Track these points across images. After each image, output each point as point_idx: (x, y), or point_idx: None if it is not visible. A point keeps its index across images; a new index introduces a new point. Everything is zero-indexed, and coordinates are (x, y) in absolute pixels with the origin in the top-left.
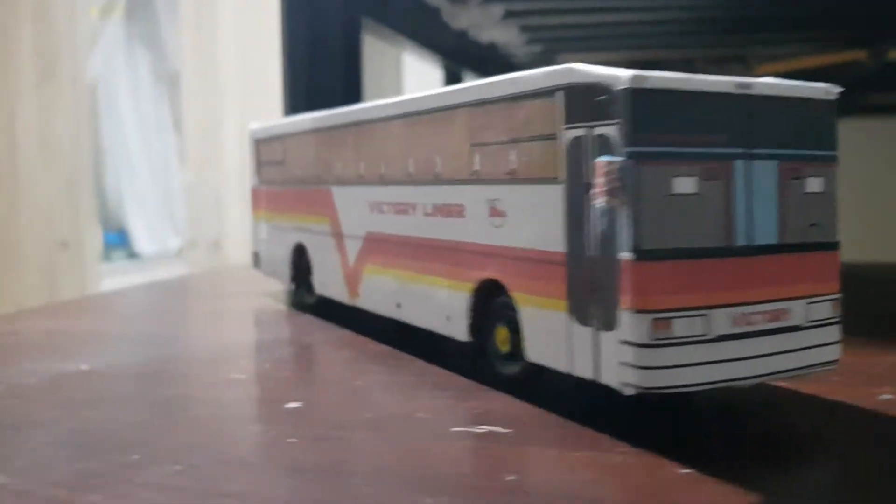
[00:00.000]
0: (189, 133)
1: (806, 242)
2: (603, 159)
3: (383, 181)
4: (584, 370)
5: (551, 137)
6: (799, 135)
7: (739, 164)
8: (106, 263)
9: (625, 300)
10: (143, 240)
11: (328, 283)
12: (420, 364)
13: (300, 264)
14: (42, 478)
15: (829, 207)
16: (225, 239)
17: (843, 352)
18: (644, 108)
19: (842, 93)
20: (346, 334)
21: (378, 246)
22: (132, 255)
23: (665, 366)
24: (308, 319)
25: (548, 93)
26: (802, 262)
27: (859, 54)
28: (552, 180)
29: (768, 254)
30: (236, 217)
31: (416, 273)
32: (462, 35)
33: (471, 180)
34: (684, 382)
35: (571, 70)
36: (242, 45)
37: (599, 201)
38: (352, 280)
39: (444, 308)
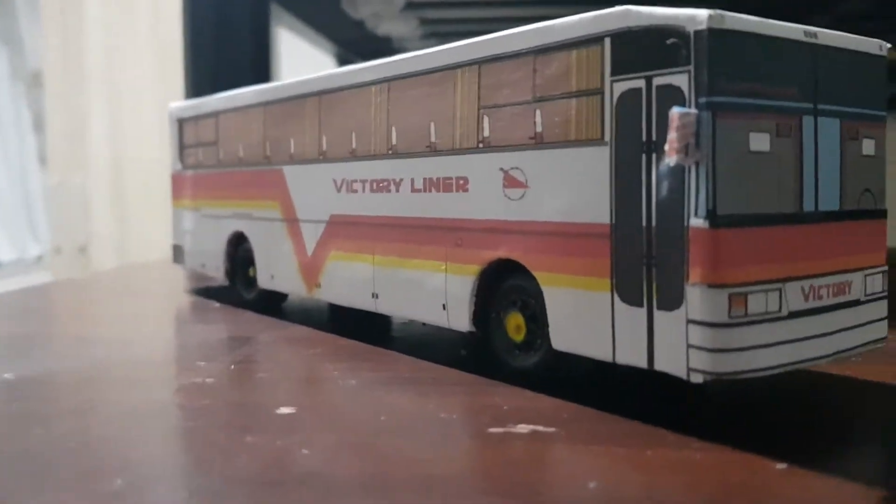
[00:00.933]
0: (53, 134)
1: (861, 210)
2: (677, 110)
3: (354, 156)
4: (631, 357)
5: (594, 93)
6: (855, 91)
7: (808, 121)
8: None
9: (695, 274)
10: None
11: (277, 275)
12: (407, 359)
13: (237, 256)
14: None
15: (879, 172)
16: (93, 244)
17: None
18: (722, 52)
19: None
20: (306, 330)
21: (346, 230)
22: None
23: (740, 347)
24: (252, 316)
25: (590, 41)
26: (858, 231)
27: None
28: (595, 142)
29: (831, 221)
30: (106, 221)
31: (399, 258)
32: (359, 25)
33: (478, 149)
34: (757, 366)
35: (627, 12)
36: (110, 43)
37: (670, 159)
38: (310, 270)
39: (437, 295)
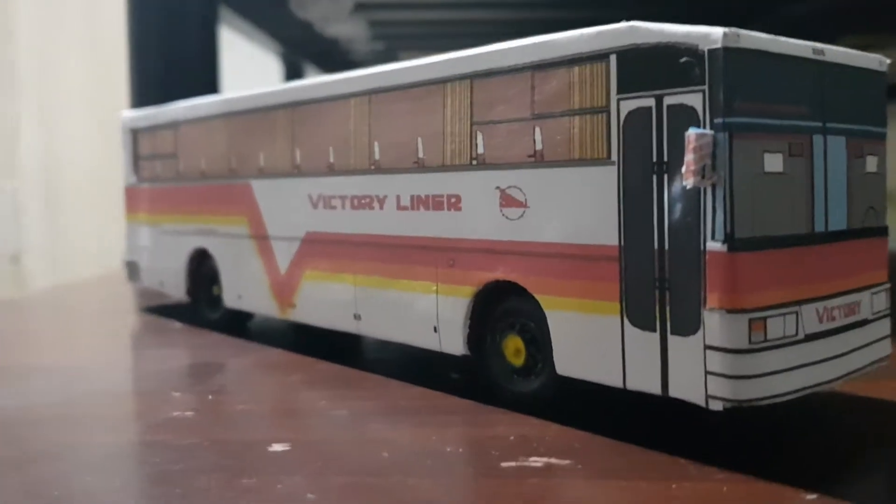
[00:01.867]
0: None
1: (866, 228)
2: (694, 131)
3: (332, 171)
4: (643, 383)
5: (599, 111)
6: (860, 108)
7: (818, 140)
8: None
9: (713, 299)
10: None
11: (246, 294)
12: (396, 384)
13: (200, 274)
14: None
15: (881, 189)
16: (26, 255)
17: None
18: (736, 71)
19: None
20: (278, 353)
21: (324, 249)
22: None
23: (760, 373)
24: (217, 338)
25: (593, 58)
26: (864, 250)
27: None
28: (601, 161)
29: (840, 240)
30: (39, 230)
31: (384, 278)
32: (307, 27)
33: (471, 166)
34: (776, 392)
35: (634, 29)
36: (41, 46)
37: (687, 181)
38: (283, 290)
39: (428, 317)
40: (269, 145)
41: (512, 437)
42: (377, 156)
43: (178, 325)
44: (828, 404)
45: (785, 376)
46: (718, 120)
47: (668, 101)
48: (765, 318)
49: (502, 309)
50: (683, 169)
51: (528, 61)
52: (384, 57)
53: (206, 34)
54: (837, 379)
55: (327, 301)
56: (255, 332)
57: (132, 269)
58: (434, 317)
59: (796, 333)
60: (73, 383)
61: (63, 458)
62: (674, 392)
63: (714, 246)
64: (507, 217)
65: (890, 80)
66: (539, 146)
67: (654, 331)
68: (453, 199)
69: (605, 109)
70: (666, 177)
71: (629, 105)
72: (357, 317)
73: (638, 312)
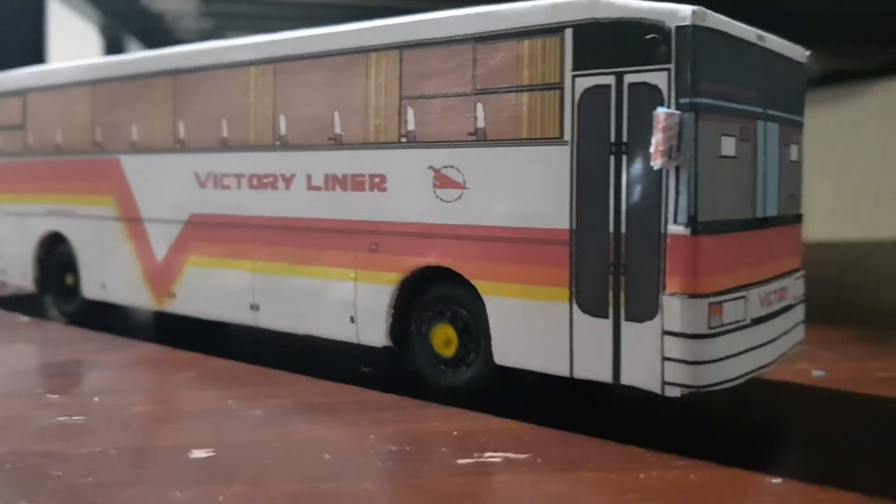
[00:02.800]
0: None
1: (790, 215)
2: (662, 111)
3: (225, 147)
4: (592, 371)
5: (551, 88)
6: (788, 97)
7: (761, 126)
8: None
9: (673, 283)
10: None
11: (112, 283)
12: (305, 380)
13: (51, 260)
14: None
15: (800, 177)
16: None
17: None
18: (703, 51)
19: None
20: (158, 349)
21: (214, 232)
22: None
23: (716, 359)
24: (78, 333)
25: (546, 31)
26: (788, 236)
27: None
28: (552, 141)
29: (773, 226)
30: None
31: (290, 264)
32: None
33: (400, 143)
34: (728, 376)
35: (594, 2)
36: None
37: (655, 162)
38: (160, 278)
39: (344, 307)
40: (144, 117)
41: (455, 433)
42: (283, 131)
43: (24, 318)
44: (754, 388)
45: (734, 361)
46: (685, 100)
47: (629, 79)
48: (721, 303)
49: (431, 296)
50: (651, 149)
51: (470, 32)
52: (211, 36)
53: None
54: (773, 362)
55: (217, 290)
56: (118, 325)
57: None
58: (351, 306)
59: (744, 318)
60: None
61: None
62: (626, 379)
63: (676, 229)
64: (441, 199)
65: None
66: (481, 124)
67: (607, 317)
68: (377, 179)
69: (559, 86)
70: (625, 158)
71: (585, 82)
72: (255, 307)
73: (589, 298)
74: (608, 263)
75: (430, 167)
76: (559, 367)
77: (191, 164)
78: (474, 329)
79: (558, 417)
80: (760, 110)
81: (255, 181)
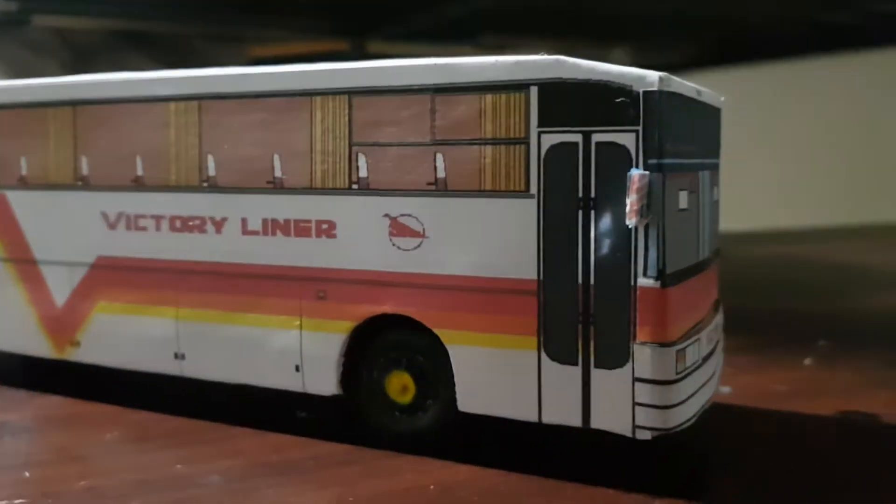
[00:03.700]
0: None
1: (714, 252)
2: (636, 172)
3: (140, 186)
4: (561, 416)
5: (516, 142)
6: (713, 142)
7: (702, 175)
8: None
9: (644, 333)
10: None
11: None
12: (246, 433)
13: None
14: None
15: (718, 214)
16: None
17: None
18: (667, 114)
19: None
20: (68, 403)
21: (127, 276)
22: None
23: (681, 401)
24: None
25: (510, 87)
26: (714, 271)
27: (341, 44)
28: (518, 193)
29: (707, 266)
30: None
31: (223, 312)
32: None
33: (351, 190)
34: (688, 416)
35: (560, 62)
36: None
37: (631, 221)
38: (61, 325)
39: (288, 356)
40: (37, 150)
41: (432, 486)
42: (211, 171)
43: None
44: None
45: (692, 401)
46: (653, 161)
47: (597, 137)
48: (685, 349)
49: (384, 344)
50: (627, 209)
51: (428, 83)
52: (14, 19)
53: None
54: (713, 395)
55: (134, 338)
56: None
57: None
58: (297, 355)
59: (698, 359)
60: None
61: None
62: (596, 424)
63: (646, 282)
64: (398, 247)
65: None
66: (441, 174)
67: (576, 364)
68: (325, 226)
69: (525, 141)
70: (593, 213)
71: (552, 139)
72: (180, 356)
73: (558, 346)
74: (577, 313)
75: (386, 215)
76: (527, 414)
77: (97, 203)
78: (432, 376)
79: (523, 463)
80: (700, 161)
81: (178, 223)
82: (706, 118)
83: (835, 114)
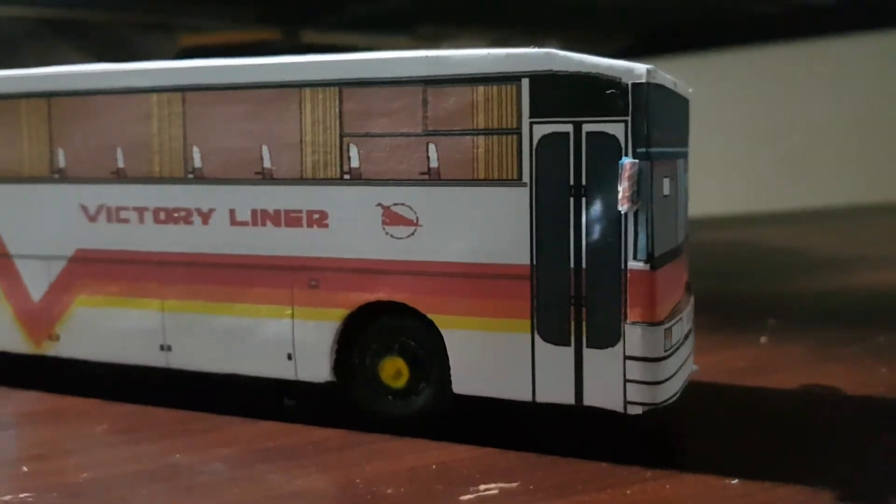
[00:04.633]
0: None
1: (685, 238)
2: (627, 161)
3: (121, 178)
4: (554, 395)
5: (508, 132)
6: (684, 131)
7: (679, 163)
8: None
9: (635, 313)
10: None
11: None
12: (236, 421)
13: None
14: None
15: (687, 201)
16: None
17: None
18: (654, 105)
19: None
20: (48, 398)
21: (108, 269)
22: None
23: (667, 378)
24: None
25: (501, 79)
26: (685, 258)
27: (274, 34)
28: (511, 182)
29: (682, 252)
30: None
31: (209, 303)
32: None
33: (342, 180)
34: (673, 392)
35: (552, 55)
36: None
37: (623, 207)
38: (38, 320)
39: (280, 344)
40: (8, 143)
41: (434, 466)
42: (197, 163)
43: None
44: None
45: (675, 378)
46: (642, 150)
47: (587, 128)
48: (671, 328)
49: (377, 331)
50: (619, 196)
51: (419, 75)
52: None
53: None
54: (691, 374)
55: (116, 331)
56: None
57: None
58: (288, 343)
59: (680, 338)
60: None
61: None
62: (589, 401)
63: (637, 265)
64: (392, 235)
65: None
66: (434, 164)
67: (569, 345)
68: (316, 216)
69: (516, 131)
70: (584, 199)
71: (543, 129)
72: (165, 347)
73: (550, 328)
74: (569, 296)
75: (379, 204)
76: (521, 393)
77: (75, 196)
78: (425, 360)
79: (521, 441)
80: (677, 149)
81: (163, 215)
82: (680, 108)
83: (767, 102)
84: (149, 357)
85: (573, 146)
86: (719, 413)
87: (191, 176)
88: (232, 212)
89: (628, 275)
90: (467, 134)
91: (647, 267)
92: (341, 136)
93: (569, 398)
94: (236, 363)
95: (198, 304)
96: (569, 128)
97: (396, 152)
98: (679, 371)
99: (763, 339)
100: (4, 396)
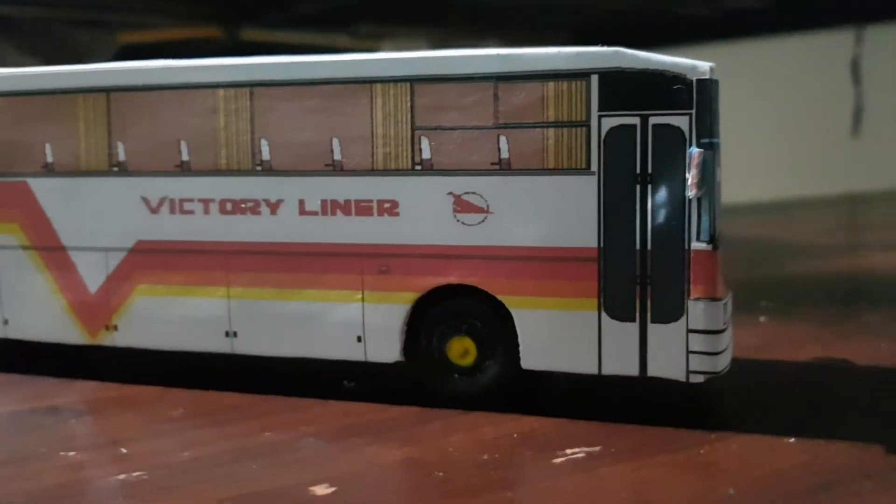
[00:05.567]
0: None
1: None
2: (696, 150)
3: (185, 171)
4: (619, 367)
5: (577, 125)
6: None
7: (719, 151)
8: None
9: (697, 290)
10: None
11: (19, 318)
12: (312, 403)
13: None
14: None
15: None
16: None
17: None
18: (713, 99)
19: None
20: (111, 388)
21: (171, 259)
22: None
23: (724, 349)
24: None
25: (571, 76)
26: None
27: (215, 31)
28: (580, 171)
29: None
30: None
31: (278, 289)
32: None
33: (414, 171)
34: (727, 363)
35: (620, 53)
36: None
37: (692, 193)
38: (95, 310)
39: (350, 327)
40: (65, 137)
41: (514, 435)
42: (266, 156)
43: None
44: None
45: (729, 349)
46: (705, 140)
47: (653, 120)
48: (727, 303)
49: (445, 312)
50: (689, 182)
51: (491, 71)
52: None
53: None
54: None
55: (179, 319)
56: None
57: None
58: (358, 326)
59: (730, 313)
60: None
61: None
62: (652, 372)
63: (699, 245)
64: (463, 223)
65: None
66: (505, 155)
67: (634, 321)
68: (387, 205)
69: (585, 124)
70: (649, 186)
71: (611, 122)
72: (231, 333)
73: (617, 306)
74: (635, 276)
75: (450, 193)
76: (588, 367)
77: (136, 189)
78: (491, 339)
79: (584, 411)
80: (718, 140)
81: (228, 206)
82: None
83: None
84: (213, 343)
85: (640, 137)
86: (751, 383)
87: (259, 168)
88: (301, 202)
89: (692, 255)
90: (538, 126)
91: (710, 247)
92: (413, 129)
93: (633, 370)
94: (304, 347)
95: (265, 291)
96: (636, 120)
97: (467, 144)
98: (730, 343)
99: (762, 319)
100: (62, 387)
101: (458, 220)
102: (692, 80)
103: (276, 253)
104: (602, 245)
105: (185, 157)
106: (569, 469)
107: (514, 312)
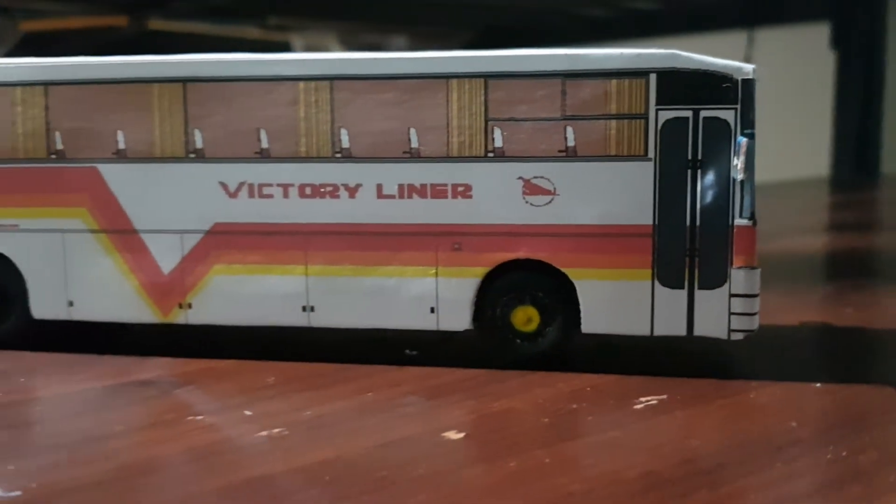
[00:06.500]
0: None
1: None
2: (744, 140)
3: (265, 157)
4: (669, 328)
5: (637, 117)
6: None
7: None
8: None
9: (740, 260)
10: None
11: (87, 300)
12: (389, 370)
13: None
14: None
15: None
16: None
17: None
18: (753, 95)
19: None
20: (191, 363)
21: (250, 240)
22: None
23: (758, 311)
24: (46, 357)
25: (632, 74)
26: None
27: (120, 20)
28: (638, 157)
29: None
30: None
31: (357, 266)
32: None
33: (486, 158)
34: (759, 322)
35: (675, 55)
36: None
37: (739, 176)
38: (169, 290)
39: (424, 300)
40: (138, 124)
41: (588, 388)
42: (345, 143)
43: None
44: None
45: (757, 314)
46: (749, 131)
47: (704, 113)
48: (760, 272)
49: (510, 284)
50: (737, 167)
51: (560, 69)
52: None
53: None
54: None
55: (256, 296)
56: (71, 340)
57: None
58: (433, 298)
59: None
60: None
61: None
62: (699, 332)
63: (742, 222)
64: (531, 204)
65: None
66: (571, 143)
67: (683, 288)
68: (461, 188)
69: (644, 116)
70: (699, 171)
71: (667, 114)
72: (308, 308)
73: (668, 275)
74: (685, 248)
75: (520, 177)
76: (641, 329)
77: (214, 174)
78: (553, 308)
79: (640, 367)
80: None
81: (308, 190)
82: None
83: None
84: (290, 318)
85: (691, 128)
86: (761, 342)
87: (338, 155)
88: (379, 186)
89: (735, 230)
90: (601, 118)
91: (751, 223)
92: (486, 120)
93: (681, 330)
94: (380, 318)
95: (343, 269)
96: (688, 113)
97: (536, 134)
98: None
99: None
100: (138, 364)
101: (527, 202)
102: (738, 79)
103: (354, 233)
104: (656, 222)
105: (264, 144)
106: (650, 413)
107: (577, 283)
